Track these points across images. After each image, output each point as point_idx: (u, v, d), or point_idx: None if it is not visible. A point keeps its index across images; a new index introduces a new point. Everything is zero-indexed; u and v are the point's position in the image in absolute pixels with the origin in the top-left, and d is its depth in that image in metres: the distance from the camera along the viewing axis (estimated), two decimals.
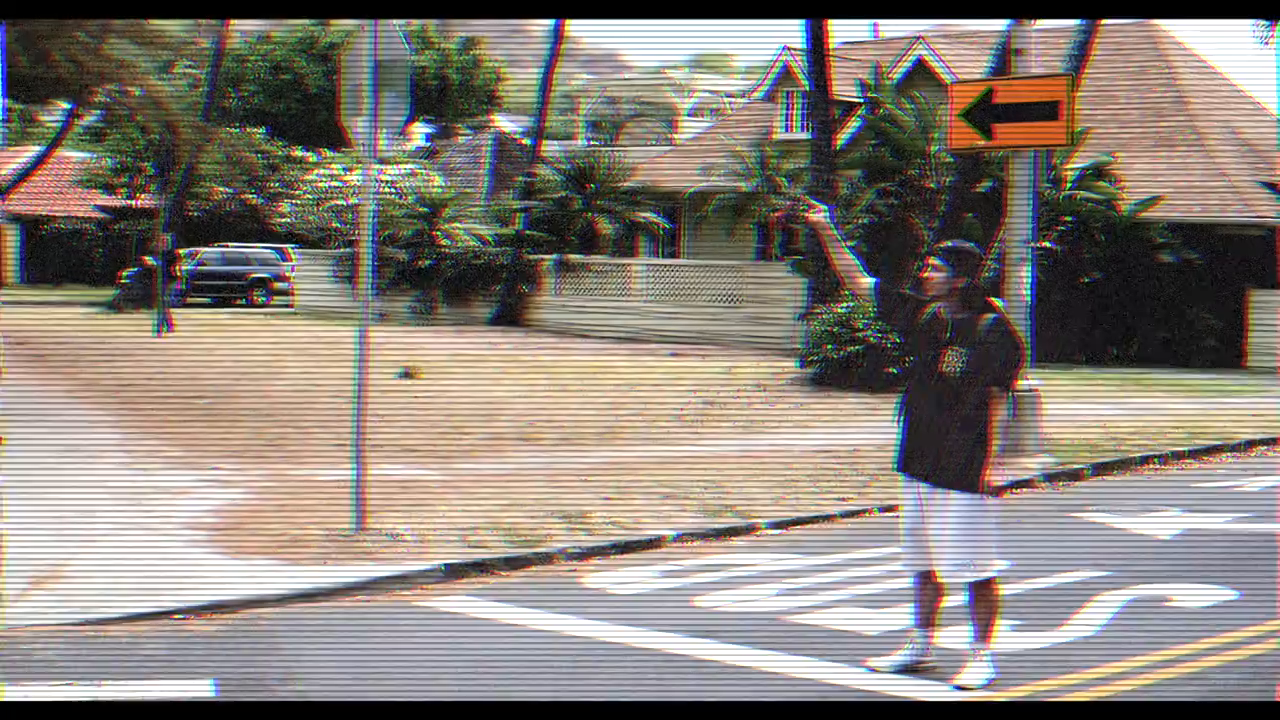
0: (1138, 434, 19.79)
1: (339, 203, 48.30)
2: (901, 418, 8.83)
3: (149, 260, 37.13)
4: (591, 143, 64.80)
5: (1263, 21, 35.28)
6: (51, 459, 15.67)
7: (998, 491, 8.52)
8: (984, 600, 8.62)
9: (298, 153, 59.63)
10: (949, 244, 8.89)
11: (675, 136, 68.01)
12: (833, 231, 9.11)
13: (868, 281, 9.08)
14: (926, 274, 8.71)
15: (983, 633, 8.62)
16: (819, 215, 9.12)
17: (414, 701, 8.22)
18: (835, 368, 24.27)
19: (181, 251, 37.04)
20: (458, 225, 44.83)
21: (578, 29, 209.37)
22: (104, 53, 28.89)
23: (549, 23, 45.45)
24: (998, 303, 8.87)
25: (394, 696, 8.33)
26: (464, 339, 36.27)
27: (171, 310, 35.35)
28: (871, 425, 20.18)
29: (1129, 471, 17.64)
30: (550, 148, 51.74)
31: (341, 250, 47.26)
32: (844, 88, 36.26)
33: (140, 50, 31.91)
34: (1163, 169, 35.70)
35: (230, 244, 55.77)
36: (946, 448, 8.53)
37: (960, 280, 8.64)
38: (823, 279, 26.88)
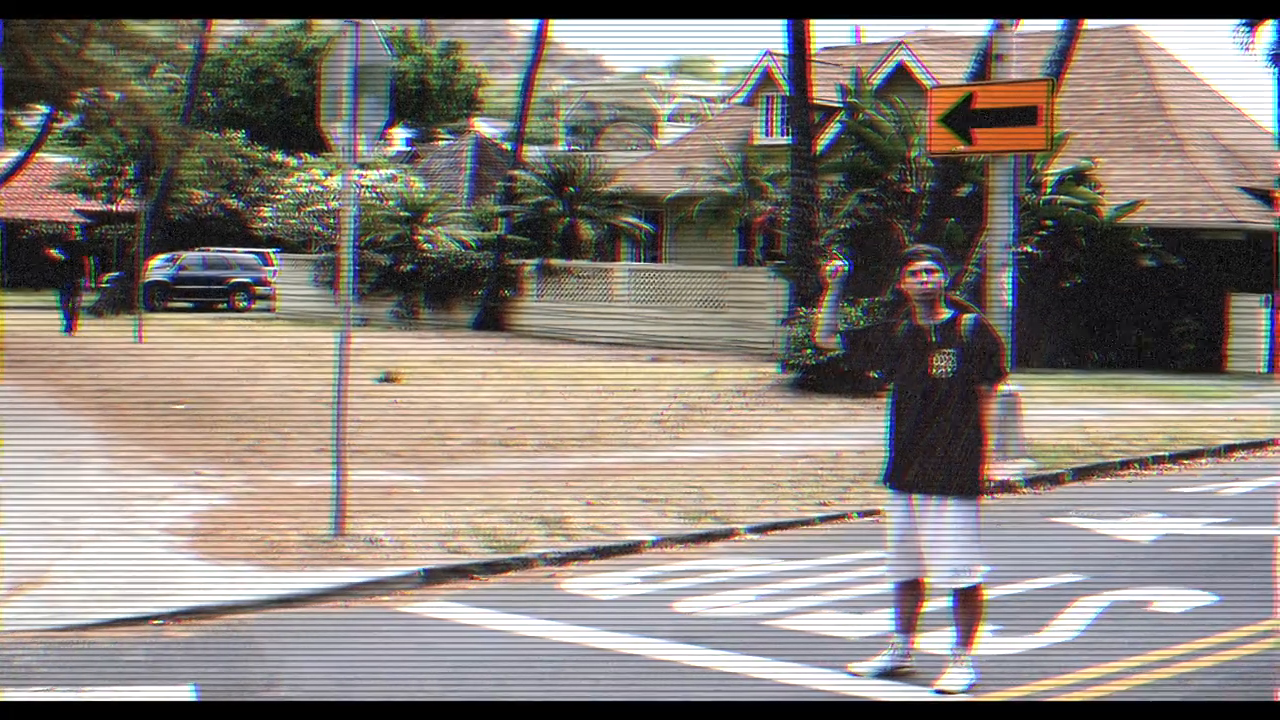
0: (1118, 438, 19.83)
1: (320, 207, 48.22)
2: (888, 430, 8.83)
3: (55, 254, 36.56)
4: (572, 147, 64.75)
5: (1243, 26, 35.43)
6: (33, 464, 15.63)
7: (997, 488, 8.58)
8: (969, 605, 8.62)
9: (278, 157, 59.53)
10: (930, 247, 8.92)
11: (656, 141, 68.01)
12: (837, 287, 9.09)
13: (835, 340, 9.14)
14: (922, 277, 8.69)
15: (965, 637, 8.62)
16: (838, 263, 9.12)
17: (393, 702, 8.21)
18: (816, 372, 24.28)
19: (90, 246, 36.51)
20: (439, 230, 44.80)
21: (559, 33, 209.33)
22: (84, 57, 28.81)
23: (531, 27, 45.47)
24: (970, 304, 8.94)
25: (373, 700, 8.32)
26: (446, 343, 36.24)
27: (78, 310, 34.93)
28: (852, 430, 20.21)
29: (1109, 476, 17.68)
30: (531, 152, 51.70)
31: (323, 255, 47.20)
32: (825, 92, 36.26)
33: (120, 54, 31.82)
34: (1143, 174, 35.79)
35: (211, 248, 55.67)
36: (940, 454, 8.54)
37: (945, 280, 8.70)
38: (804, 283, 26.90)
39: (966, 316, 8.67)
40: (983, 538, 8.72)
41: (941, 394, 8.58)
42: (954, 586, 8.62)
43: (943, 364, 8.59)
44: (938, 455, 8.56)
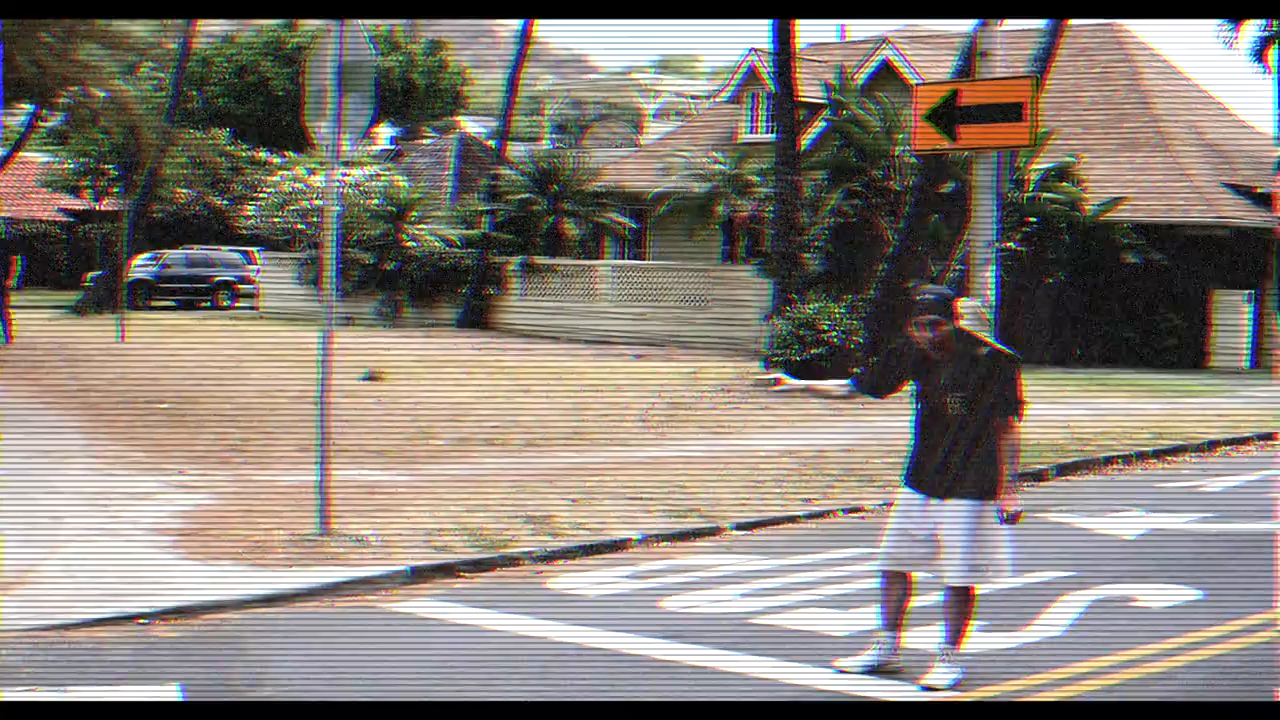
0: (1102, 434, 19.87)
1: (303, 205, 48.10)
2: (912, 436, 8.80)
3: None
4: (557, 145, 64.72)
5: (1227, 23, 35.52)
6: (16, 463, 15.57)
7: (1014, 516, 8.53)
8: (961, 603, 8.62)
9: (262, 155, 59.41)
10: (934, 294, 8.69)
11: (641, 138, 68.02)
12: None
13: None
14: (926, 333, 8.57)
15: (955, 635, 8.62)
16: None
17: (380, 701, 8.20)
18: (800, 369, 24.28)
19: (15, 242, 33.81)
20: (423, 228, 44.73)
21: (544, 31, 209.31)
22: (68, 55, 28.75)
23: (516, 25, 45.41)
24: (985, 335, 8.83)
25: (360, 700, 8.31)
26: (430, 341, 36.21)
27: (7, 313, 31.76)
28: (836, 427, 20.22)
29: (1093, 472, 17.71)
30: (515, 150, 51.63)
31: (306, 253, 47.11)
32: (809, 89, 36.30)
33: (105, 52, 31.76)
34: (1126, 170, 35.85)
35: (195, 246, 55.54)
36: (954, 468, 8.53)
37: (949, 324, 8.58)
38: (787, 281, 26.91)
39: (980, 354, 8.56)
40: (1007, 541, 8.70)
41: (956, 429, 8.55)
42: (967, 583, 8.60)
43: (955, 406, 8.53)
44: (951, 467, 8.55)
